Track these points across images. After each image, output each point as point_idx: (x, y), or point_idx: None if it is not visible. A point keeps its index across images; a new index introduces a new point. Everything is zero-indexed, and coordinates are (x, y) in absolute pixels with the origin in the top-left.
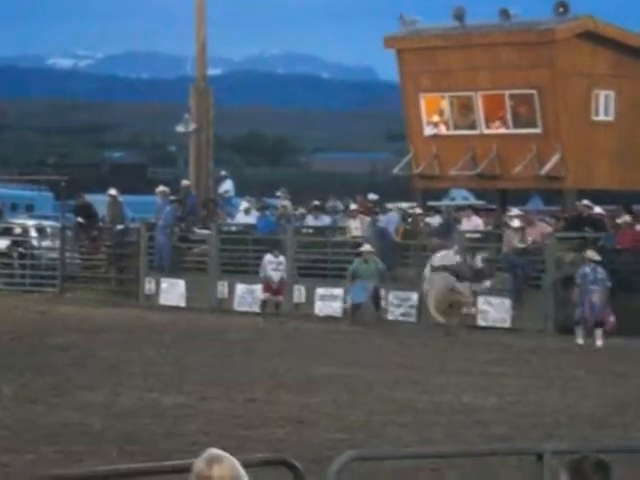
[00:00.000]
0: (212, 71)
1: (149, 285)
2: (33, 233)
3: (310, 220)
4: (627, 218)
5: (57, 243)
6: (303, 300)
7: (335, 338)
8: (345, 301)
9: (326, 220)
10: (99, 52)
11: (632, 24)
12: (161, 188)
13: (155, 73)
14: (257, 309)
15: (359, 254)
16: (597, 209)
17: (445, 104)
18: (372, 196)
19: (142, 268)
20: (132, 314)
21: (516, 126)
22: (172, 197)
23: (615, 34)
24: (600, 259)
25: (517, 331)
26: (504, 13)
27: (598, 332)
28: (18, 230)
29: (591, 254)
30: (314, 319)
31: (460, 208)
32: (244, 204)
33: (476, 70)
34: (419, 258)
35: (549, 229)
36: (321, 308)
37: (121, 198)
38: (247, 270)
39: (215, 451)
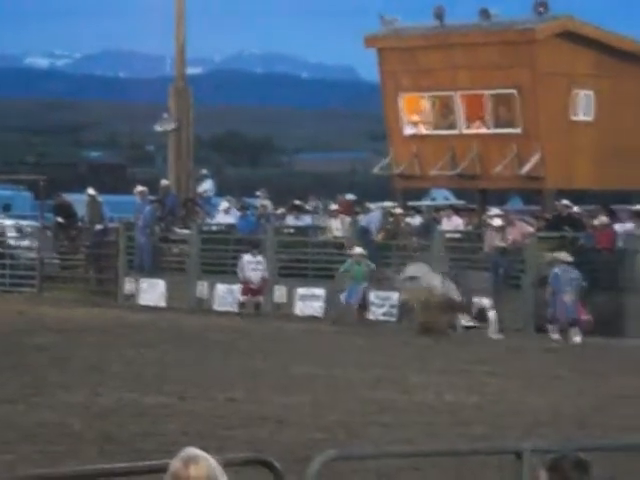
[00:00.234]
0: (191, 70)
1: (129, 285)
2: (11, 233)
3: (291, 220)
4: (603, 219)
5: (36, 243)
6: (284, 300)
7: (316, 338)
8: (340, 301)
9: (307, 220)
10: (76, 51)
11: (612, 24)
12: (139, 188)
13: (134, 72)
14: (237, 309)
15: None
16: (575, 209)
17: (425, 104)
18: (350, 196)
19: (121, 268)
20: (111, 314)
21: (496, 126)
22: (151, 197)
23: (595, 34)
24: (571, 260)
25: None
26: (484, 13)
27: (573, 330)
28: None
29: (562, 256)
30: (295, 319)
31: (439, 208)
32: (224, 204)
33: (456, 70)
34: (400, 258)
35: (529, 229)
36: (302, 308)
37: (100, 198)
38: (227, 270)
39: (192, 451)
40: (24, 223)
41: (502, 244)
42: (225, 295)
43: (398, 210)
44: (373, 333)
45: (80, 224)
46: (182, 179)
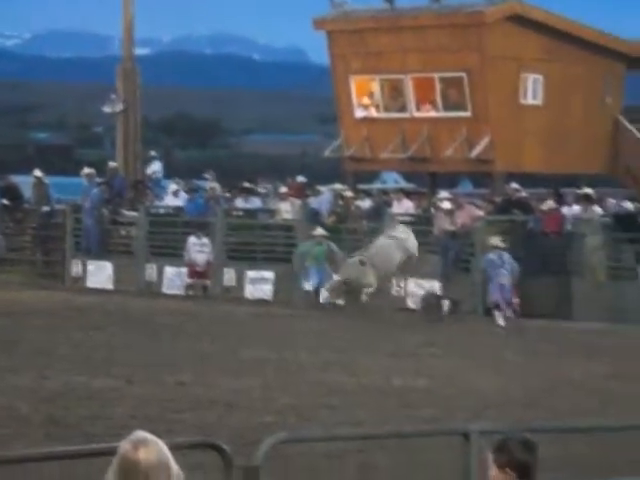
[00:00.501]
0: (140, 51)
1: (76, 267)
2: None
3: (240, 202)
4: (550, 203)
5: None
6: (233, 283)
7: (266, 321)
8: (305, 285)
9: (256, 202)
10: (26, 32)
11: (561, 8)
12: (87, 170)
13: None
14: (184, 292)
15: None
16: (522, 193)
17: (375, 86)
18: (301, 178)
19: (68, 250)
20: (59, 297)
21: (446, 109)
22: (99, 179)
23: (544, 18)
24: (504, 246)
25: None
26: None
27: (501, 313)
28: None
29: (494, 241)
30: (244, 302)
31: (387, 192)
32: (173, 186)
33: (406, 52)
34: (350, 241)
35: (478, 212)
36: (251, 291)
37: (47, 180)
38: (176, 253)
39: (141, 434)
40: None
41: (451, 227)
42: (173, 278)
43: (348, 193)
44: (323, 316)
45: (26, 206)
46: (130, 161)
